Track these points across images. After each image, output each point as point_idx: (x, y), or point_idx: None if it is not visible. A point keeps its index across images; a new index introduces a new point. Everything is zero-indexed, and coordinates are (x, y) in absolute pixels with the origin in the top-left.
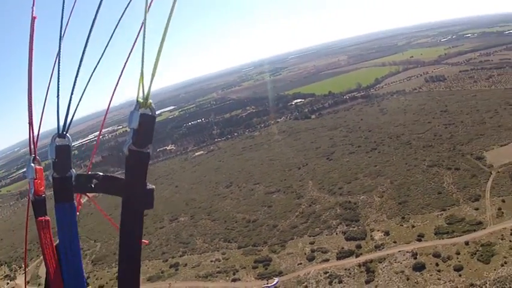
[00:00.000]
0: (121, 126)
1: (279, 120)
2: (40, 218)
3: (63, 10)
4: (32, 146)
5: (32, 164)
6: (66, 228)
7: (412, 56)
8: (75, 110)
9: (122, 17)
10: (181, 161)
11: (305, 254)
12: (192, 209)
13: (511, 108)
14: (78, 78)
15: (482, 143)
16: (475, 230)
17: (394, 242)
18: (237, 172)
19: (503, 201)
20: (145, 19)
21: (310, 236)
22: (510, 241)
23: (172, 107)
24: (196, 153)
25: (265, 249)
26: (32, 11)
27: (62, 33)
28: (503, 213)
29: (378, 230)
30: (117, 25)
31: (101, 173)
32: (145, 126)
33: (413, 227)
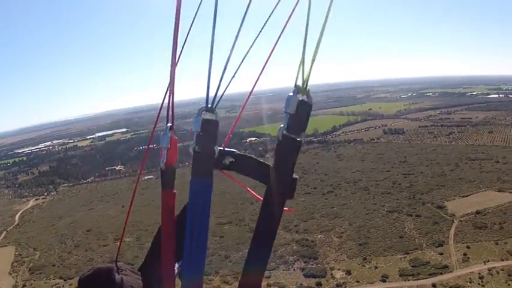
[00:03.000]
0: (72, 140)
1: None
2: (165, 191)
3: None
4: (170, 114)
5: (168, 133)
6: (199, 203)
7: (371, 109)
8: (227, 85)
9: None
10: (130, 183)
11: None
12: (139, 231)
13: (472, 162)
14: (232, 54)
15: (443, 194)
16: (441, 273)
17: (357, 282)
18: (187, 199)
19: (468, 247)
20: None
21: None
22: (479, 284)
23: (125, 129)
24: (146, 177)
25: (216, 279)
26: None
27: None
28: (469, 258)
29: (339, 269)
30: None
31: (236, 151)
32: (301, 113)
33: (376, 268)
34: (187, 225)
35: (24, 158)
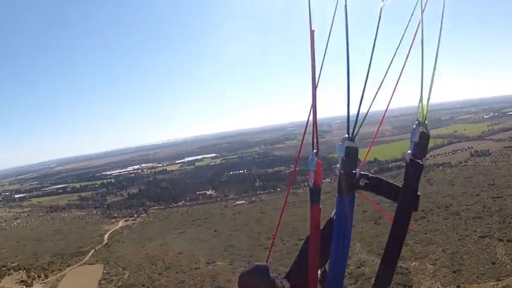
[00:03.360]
0: (160, 164)
1: (323, 181)
2: (313, 206)
3: (347, 29)
4: (315, 142)
5: (315, 158)
6: (343, 218)
7: (456, 131)
8: (364, 117)
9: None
10: (221, 208)
11: None
12: (231, 255)
13: None
14: (366, 87)
15: None
16: None
17: None
18: (280, 225)
19: None
20: (422, 32)
21: None
22: None
23: (213, 155)
24: (237, 202)
25: None
26: (310, 25)
27: (347, 39)
28: None
29: None
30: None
31: (371, 174)
32: (422, 141)
33: None
34: (333, 236)
35: (113, 180)
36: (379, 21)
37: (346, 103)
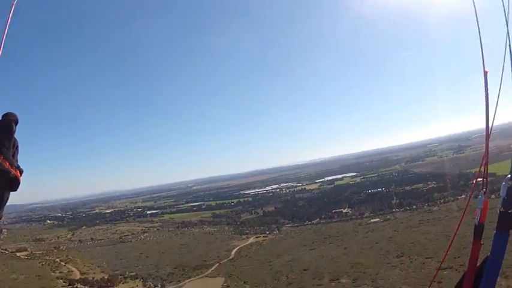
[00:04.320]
0: (300, 184)
1: (458, 197)
2: (475, 242)
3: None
4: (485, 181)
5: (483, 197)
6: (497, 253)
7: None
8: None
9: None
10: (355, 225)
11: None
12: (357, 273)
13: None
14: None
15: None
16: None
17: None
18: (410, 243)
19: None
20: None
21: None
22: None
23: (354, 173)
24: (372, 220)
25: None
26: (483, 65)
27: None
28: None
29: None
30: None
31: None
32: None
33: None
34: (486, 269)
35: (250, 199)
36: None
37: None
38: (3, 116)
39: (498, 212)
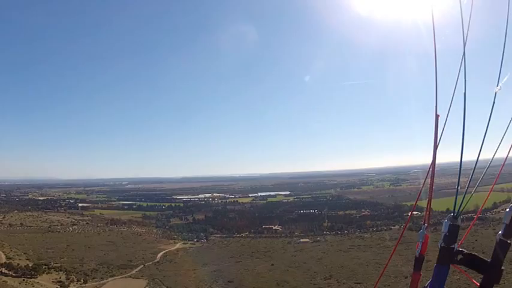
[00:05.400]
0: (232, 196)
1: (392, 227)
2: (415, 273)
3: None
4: (427, 216)
5: (424, 231)
6: (438, 284)
7: None
8: (470, 197)
9: None
10: (284, 243)
11: None
12: None
13: None
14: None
15: None
16: None
17: None
18: (339, 267)
19: None
20: None
21: None
22: None
23: (288, 192)
24: (301, 240)
25: None
26: (436, 109)
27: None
28: None
29: None
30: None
31: (466, 251)
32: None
33: None
34: None
35: (181, 204)
36: (492, 106)
37: (457, 182)
38: None
39: (439, 246)
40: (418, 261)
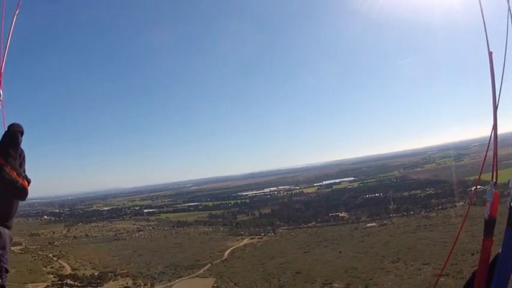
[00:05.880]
0: (298, 187)
1: (457, 204)
2: (486, 238)
3: None
4: (495, 172)
5: (493, 189)
6: (509, 250)
7: None
8: None
9: None
10: (351, 229)
11: None
12: (350, 277)
13: None
14: None
15: None
16: None
17: None
18: (406, 249)
19: None
20: None
21: None
22: None
23: (352, 178)
24: (368, 224)
25: None
26: (488, 46)
27: None
28: None
29: None
30: None
31: None
32: None
33: None
34: (496, 268)
35: (247, 200)
36: None
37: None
38: (9, 127)
39: (509, 206)
40: (489, 225)
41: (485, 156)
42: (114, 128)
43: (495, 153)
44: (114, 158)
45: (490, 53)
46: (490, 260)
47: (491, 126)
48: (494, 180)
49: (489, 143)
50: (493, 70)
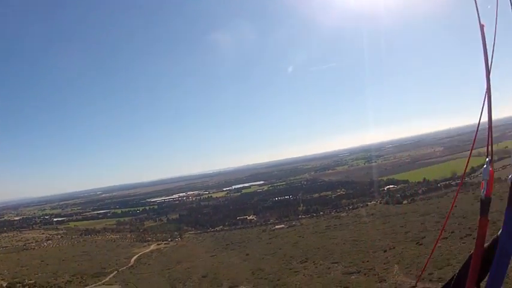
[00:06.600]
0: (207, 192)
1: (368, 203)
2: (482, 218)
3: None
4: (490, 148)
5: (489, 167)
6: (509, 231)
7: (507, 147)
8: None
9: None
10: (259, 232)
11: None
12: (257, 279)
13: None
14: None
15: None
16: None
17: None
18: (315, 249)
19: None
20: None
21: None
22: None
23: (262, 182)
24: (277, 226)
25: None
26: (479, 19)
27: None
28: None
29: None
30: None
31: None
32: None
33: None
34: (496, 251)
35: (155, 207)
36: None
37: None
38: None
39: (510, 183)
40: (484, 204)
41: (475, 137)
42: (21, 136)
43: (489, 127)
44: (23, 167)
45: (482, 26)
46: (488, 244)
47: (484, 93)
48: (490, 157)
49: (479, 122)
50: (485, 43)
